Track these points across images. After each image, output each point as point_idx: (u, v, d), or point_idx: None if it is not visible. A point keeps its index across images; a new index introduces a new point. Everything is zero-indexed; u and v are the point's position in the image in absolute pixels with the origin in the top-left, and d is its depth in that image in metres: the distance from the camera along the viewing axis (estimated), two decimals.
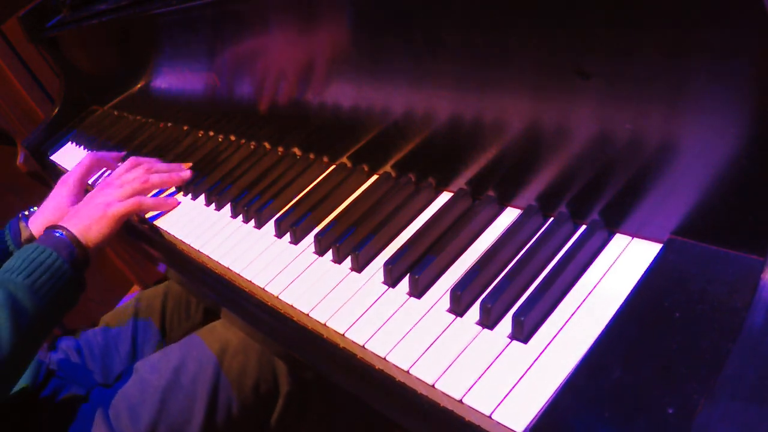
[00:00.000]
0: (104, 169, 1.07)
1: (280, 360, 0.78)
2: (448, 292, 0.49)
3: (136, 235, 0.88)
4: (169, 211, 0.84)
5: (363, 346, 0.49)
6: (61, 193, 0.97)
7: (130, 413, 0.73)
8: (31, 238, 0.91)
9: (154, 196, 0.96)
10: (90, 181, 1.07)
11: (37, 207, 0.97)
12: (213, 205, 0.79)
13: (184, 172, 0.89)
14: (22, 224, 0.94)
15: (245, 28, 0.78)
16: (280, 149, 0.83)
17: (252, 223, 0.71)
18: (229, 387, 0.76)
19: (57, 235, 0.76)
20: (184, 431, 0.74)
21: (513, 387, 0.40)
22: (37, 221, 0.92)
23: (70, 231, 0.76)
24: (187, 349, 0.79)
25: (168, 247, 0.80)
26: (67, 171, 1.23)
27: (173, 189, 0.90)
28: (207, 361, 0.77)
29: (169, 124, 1.10)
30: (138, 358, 0.93)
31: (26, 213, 0.98)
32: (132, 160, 0.90)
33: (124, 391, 0.76)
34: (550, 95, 0.48)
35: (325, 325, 0.53)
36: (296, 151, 0.80)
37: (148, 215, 0.85)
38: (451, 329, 0.47)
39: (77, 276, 0.74)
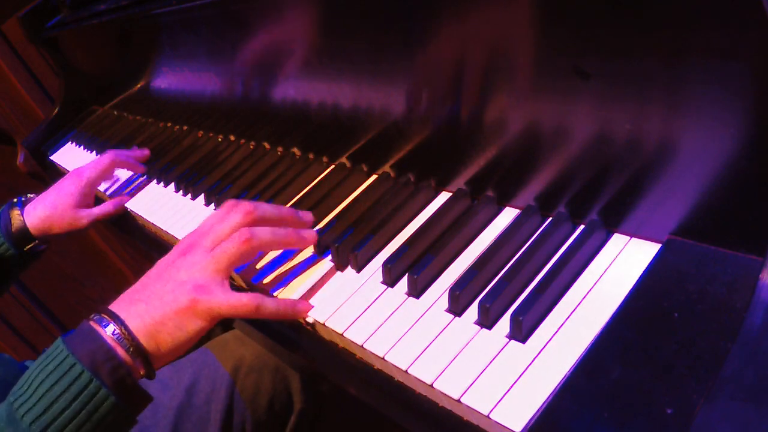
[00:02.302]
0: (119, 174, 0.98)
1: (293, 376, 0.76)
2: (447, 291, 0.49)
3: (133, 234, 0.88)
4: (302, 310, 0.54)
5: (362, 346, 0.49)
6: (67, 187, 0.85)
7: None
8: (24, 230, 0.81)
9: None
10: (103, 188, 0.99)
11: (35, 195, 0.87)
12: (212, 205, 0.79)
13: (307, 231, 0.57)
14: (15, 212, 0.83)
15: (245, 28, 0.78)
16: (280, 149, 0.83)
17: None
18: (243, 406, 0.73)
19: (99, 333, 0.48)
20: None
21: (511, 387, 0.40)
22: (35, 212, 0.82)
23: (125, 326, 0.48)
24: (199, 367, 0.75)
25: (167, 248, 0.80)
26: (68, 171, 1.22)
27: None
28: (220, 380, 0.73)
29: (169, 124, 1.10)
30: None
31: (23, 199, 0.86)
32: (229, 204, 0.55)
33: None
34: (549, 95, 0.48)
35: (324, 324, 0.53)
36: (296, 150, 0.80)
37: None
38: (449, 329, 0.47)
39: (127, 408, 0.47)
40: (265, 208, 0.55)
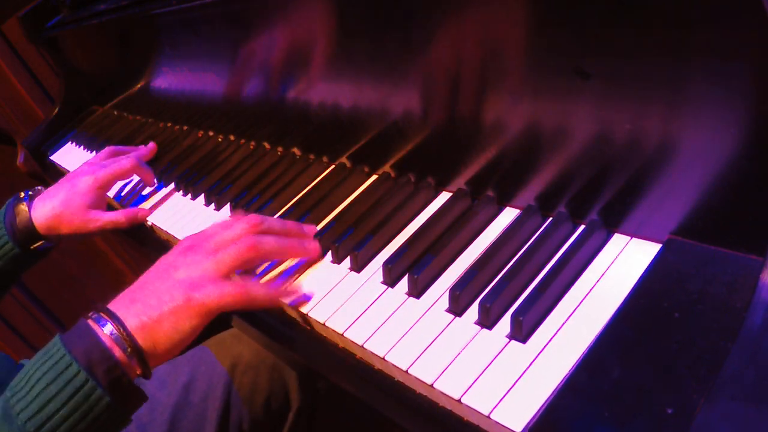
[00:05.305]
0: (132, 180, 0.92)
1: (291, 374, 0.76)
2: (447, 291, 0.49)
3: (133, 233, 0.88)
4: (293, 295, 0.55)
5: (362, 346, 0.49)
6: (82, 185, 0.78)
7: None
8: (30, 227, 0.77)
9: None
10: (111, 194, 0.91)
11: (44, 188, 0.81)
12: (213, 205, 0.79)
13: (310, 242, 0.58)
14: (21, 206, 0.77)
15: (245, 28, 0.78)
16: (280, 149, 0.83)
17: None
18: (240, 404, 0.74)
19: (96, 332, 0.48)
20: None
21: (512, 387, 0.40)
22: (44, 208, 0.77)
23: (123, 326, 0.48)
24: (196, 365, 0.75)
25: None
26: (68, 171, 1.22)
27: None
28: (217, 378, 0.74)
29: (169, 124, 1.10)
30: None
31: (30, 192, 0.80)
32: (237, 214, 0.57)
33: None
34: (550, 95, 0.48)
35: (324, 325, 0.53)
36: (296, 150, 0.80)
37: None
38: (449, 329, 0.47)
39: (120, 407, 0.47)
40: (271, 222, 0.57)
